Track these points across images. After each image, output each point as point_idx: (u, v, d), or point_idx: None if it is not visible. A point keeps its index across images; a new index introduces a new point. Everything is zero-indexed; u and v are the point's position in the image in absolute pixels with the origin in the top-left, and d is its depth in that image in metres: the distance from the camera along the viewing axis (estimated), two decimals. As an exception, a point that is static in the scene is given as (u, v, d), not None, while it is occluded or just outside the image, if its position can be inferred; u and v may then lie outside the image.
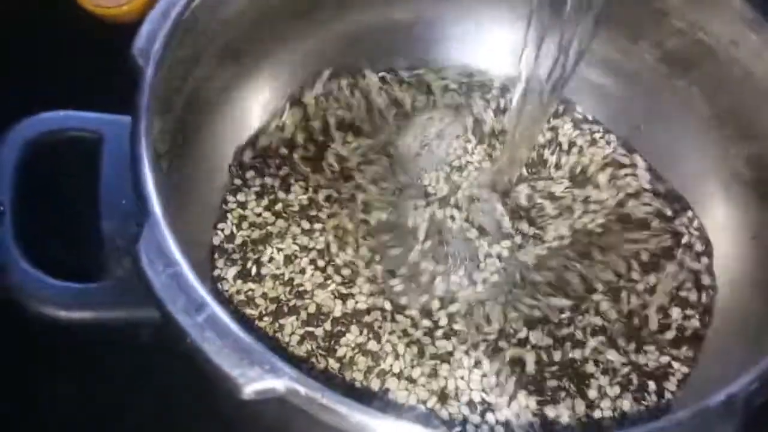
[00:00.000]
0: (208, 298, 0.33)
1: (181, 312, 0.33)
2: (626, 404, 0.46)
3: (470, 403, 0.45)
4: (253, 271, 0.48)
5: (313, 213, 0.50)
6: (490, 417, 0.45)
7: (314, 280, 0.48)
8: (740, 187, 0.50)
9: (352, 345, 0.46)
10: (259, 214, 0.50)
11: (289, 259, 0.48)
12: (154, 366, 0.47)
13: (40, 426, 0.47)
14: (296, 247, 0.49)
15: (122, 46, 0.40)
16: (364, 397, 0.44)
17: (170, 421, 0.46)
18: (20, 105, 0.44)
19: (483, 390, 0.45)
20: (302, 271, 0.48)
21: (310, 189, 0.51)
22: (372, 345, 0.46)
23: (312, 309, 0.47)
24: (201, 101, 0.46)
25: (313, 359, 0.45)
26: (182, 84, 0.42)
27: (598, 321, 0.48)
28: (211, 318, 0.33)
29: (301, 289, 0.48)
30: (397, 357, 0.46)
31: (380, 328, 0.47)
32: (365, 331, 0.47)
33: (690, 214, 0.52)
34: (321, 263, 0.48)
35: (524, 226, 0.51)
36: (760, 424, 0.36)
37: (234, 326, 0.33)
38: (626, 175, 0.53)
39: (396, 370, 0.45)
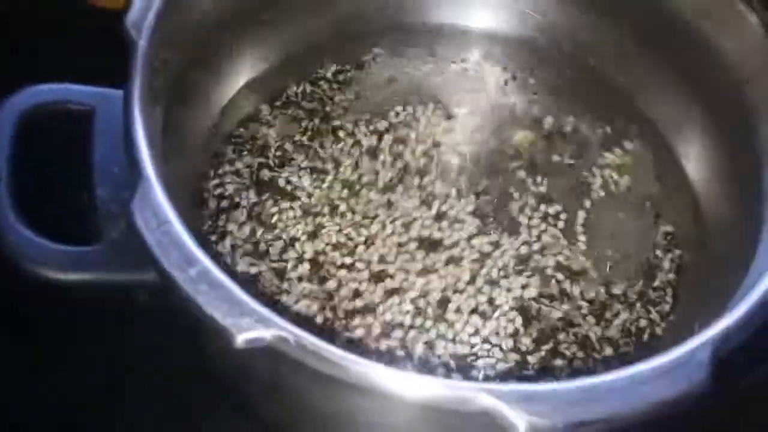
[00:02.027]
0: (199, 253, 0.35)
1: (175, 267, 0.34)
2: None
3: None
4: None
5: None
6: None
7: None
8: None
9: None
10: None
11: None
12: (153, 366, 0.47)
13: (40, 426, 0.47)
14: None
15: (114, 22, 0.41)
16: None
17: (170, 419, 0.47)
18: (16, 77, 0.44)
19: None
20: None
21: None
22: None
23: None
24: (193, 72, 0.47)
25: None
26: (175, 54, 0.44)
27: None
28: (203, 271, 0.34)
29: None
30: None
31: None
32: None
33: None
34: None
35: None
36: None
37: (224, 278, 0.34)
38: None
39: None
